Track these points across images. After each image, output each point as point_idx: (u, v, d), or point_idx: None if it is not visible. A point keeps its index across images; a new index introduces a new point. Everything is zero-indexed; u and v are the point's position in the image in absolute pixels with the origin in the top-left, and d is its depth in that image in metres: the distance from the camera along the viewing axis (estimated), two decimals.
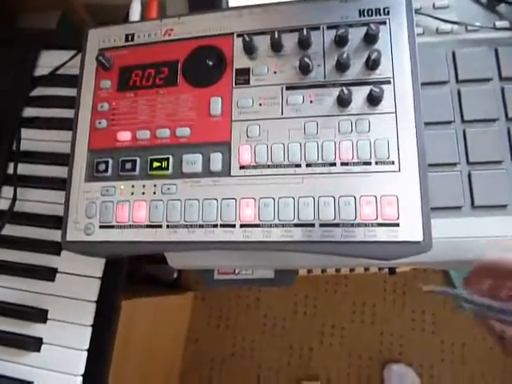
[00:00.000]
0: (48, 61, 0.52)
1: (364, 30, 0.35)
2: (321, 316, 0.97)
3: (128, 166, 0.37)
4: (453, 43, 0.41)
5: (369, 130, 0.34)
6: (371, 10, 0.36)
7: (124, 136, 0.38)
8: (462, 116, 0.39)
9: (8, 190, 0.48)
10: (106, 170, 0.38)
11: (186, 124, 0.37)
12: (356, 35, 0.36)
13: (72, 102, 0.48)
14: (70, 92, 0.50)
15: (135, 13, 0.44)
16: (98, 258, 0.44)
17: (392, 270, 0.64)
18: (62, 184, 0.47)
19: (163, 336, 0.83)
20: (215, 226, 0.35)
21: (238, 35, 0.38)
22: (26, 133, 0.49)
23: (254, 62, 0.37)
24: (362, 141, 0.34)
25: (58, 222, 0.46)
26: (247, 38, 0.36)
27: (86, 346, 0.42)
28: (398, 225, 0.32)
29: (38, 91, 0.50)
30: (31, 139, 0.49)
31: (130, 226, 0.36)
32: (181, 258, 0.41)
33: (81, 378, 0.41)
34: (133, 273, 0.67)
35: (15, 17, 0.83)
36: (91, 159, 0.39)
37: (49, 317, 0.44)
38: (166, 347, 0.86)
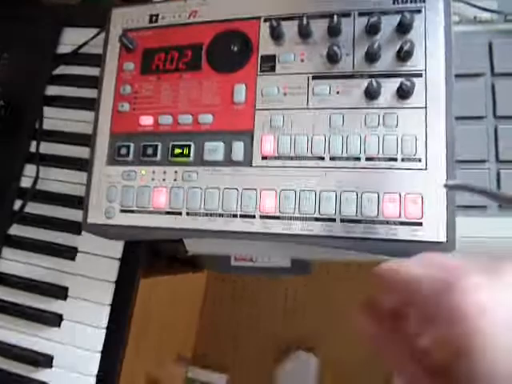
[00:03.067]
0: (71, 38, 0.51)
1: (397, 18, 0.34)
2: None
3: (149, 151, 0.37)
4: (490, 33, 0.39)
5: (397, 125, 0.33)
6: None
7: (146, 120, 0.38)
8: (494, 111, 0.38)
9: (31, 169, 0.48)
10: (127, 155, 0.38)
11: (209, 111, 0.36)
12: (388, 24, 0.34)
13: (95, 82, 0.48)
14: (93, 71, 0.49)
15: None
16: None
17: None
18: (84, 164, 0.47)
19: (178, 311, 0.85)
20: (235, 215, 0.34)
21: (265, 20, 0.37)
22: (48, 111, 0.49)
23: (280, 49, 0.36)
24: (388, 136, 0.33)
25: (79, 202, 0.46)
26: (275, 23, 0.35)
27: (105, 324, 0.43)
28: (420, 224, 0.31)
29: (61, 69, 0.50)
30: (54, 118, 0.49)
31: (150, 212, 0.36)
32: (198, 244, 0.41)
33: (99, 355, 0.43)
34: (149, 249, 0.68)
35: None
36: (113, 142, 0.39)
37: (69, 294, 0.45)
38: (180, 322, 0.89)
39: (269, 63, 0.36)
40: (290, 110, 0.35)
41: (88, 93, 0.49)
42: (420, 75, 0.33)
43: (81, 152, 0.48)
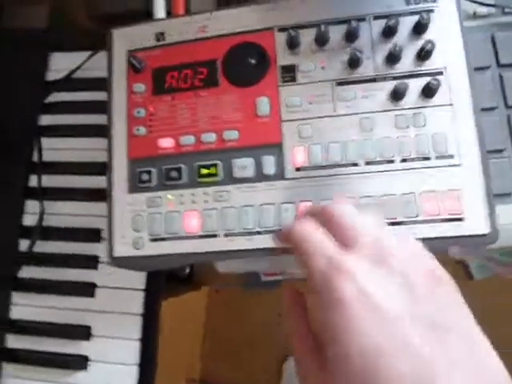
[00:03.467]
0: (59, 64, 0.49)
1: (411, 19, 0.34)
2: None
3: (173, 174, 0.36)
4: (491, 27, 0.40)
5: (425, 124, 0.33)
6: None
7: (166, 143, 0.36)
8: (505, 101, 0.39)
9: (32, 205, 0.45)
10: (149, 180, 0.36)
11: (233, 127, 0.35)
12: (404, 25, 0.34)
13: (92, 107, 0.46)
14: (87, 96, 0.47)
15: (160, 9, 0.41)
16: None
17: None
18: (89, 195, 0.45)
19: (184, 330, 0.83)
20: (274, 231, 0.34)
21: (279, 29, 0.36)
22: (45, 142, 0.46)
23: (298, 58, 0.35)
24: (419, 135, 0.33)
25: (89, 235, 0.44)
26: (292, 33, 0.34)
27: (137, 361, 0.41)
28: (462, 219, 0.32)
29: (53, 97, 0.47)
30: (51, 148, 0.46)
31: (183, 237, 0.35)
32: (231, 263, 0.40)
33: None
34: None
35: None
36: (132, 169, 0.37)
37: (93, 333, 0.42)
38: (186, 341, 0.86)
39: (289, 73, 0.35)
40: (317, 118, 0.34)
41: (85, 119, 0.47)
42: (441, 73, 0.34)
43: (84, 182, 0.46)
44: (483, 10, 0.40)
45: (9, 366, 0.42)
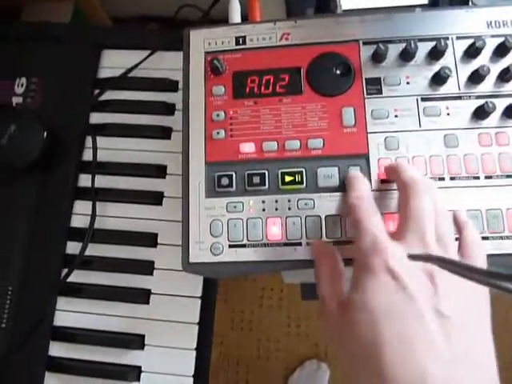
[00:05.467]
0: (110, 61, 0.47)
1: (491, 41, 0.36)
2: None
3: (256, 180, 0.35)
4: None
5: (509, 143, 0.34)
6: (498, 22, 0.36)
7: (248, 148, 0.36)
8: None
9: (81, 206, 0.43)
10: (230, 185, 0.35)
11: (318, 135, 0.35)
12: (486, 47, 0.36)
13: (145, 107, 0.45)
14: (141, 96, 0.46)
15: (236, 14, 0.41)
16: (195, 277, 0.41)
17: None
18: (141, 197, 0.44)
19: None
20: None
21: (365, 43, 0.37)
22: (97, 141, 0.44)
23: (383, 72, 0.36)
24: (503, 154, 0.34)
25: (145, 240, 0.42)
26: (382, 47, 0.35)
27: (192, 372, 0.40)
28: None
29: (106, 95, 0.46)
30: (103, 148, 0.44)
31: (265, 245, 0.34)
32: (297, 273, 0.39)
33: None
34: None
35: (19, 10, 0.74)
36: (210, 173, 0.36)
37: (146, 343, 0.40)
38: None
39: (374, 86, 0.36)
40: (403, 131, 0.35)
41: (135, 119, 0.46)
42: None
43: (137, 184, 0.44)
44: None
45: (53, 376, 0.39)
